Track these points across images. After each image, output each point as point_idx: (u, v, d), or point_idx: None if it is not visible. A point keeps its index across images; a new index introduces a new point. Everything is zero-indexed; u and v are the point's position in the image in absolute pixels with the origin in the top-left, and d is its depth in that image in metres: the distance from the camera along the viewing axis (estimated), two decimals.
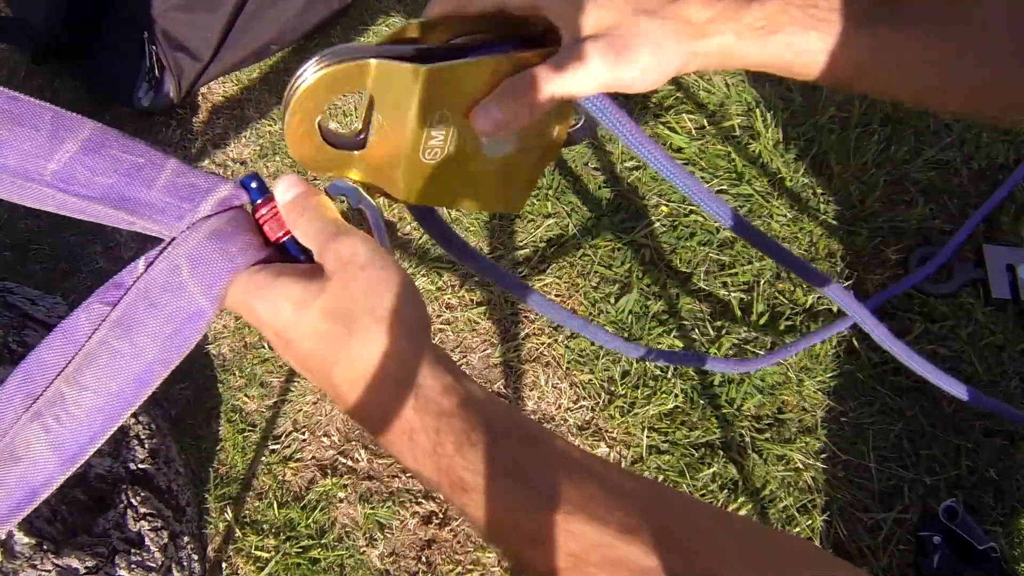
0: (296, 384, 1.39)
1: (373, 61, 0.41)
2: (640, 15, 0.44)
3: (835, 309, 1.36)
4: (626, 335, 1.38)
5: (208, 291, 0.38)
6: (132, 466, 1.16)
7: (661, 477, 1.25)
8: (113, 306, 0.38)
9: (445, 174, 0.47)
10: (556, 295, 1.45)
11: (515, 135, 0.48)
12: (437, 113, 0.44)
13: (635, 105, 1.68)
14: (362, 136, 0.45)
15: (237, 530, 1.25)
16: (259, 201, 0.43)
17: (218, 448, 1.34)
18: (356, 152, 0.46)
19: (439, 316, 1.45)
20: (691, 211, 1.52)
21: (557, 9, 0.45)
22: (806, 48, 0.46)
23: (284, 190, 0.43)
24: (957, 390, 0.90)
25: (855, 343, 1.33)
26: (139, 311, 0.38)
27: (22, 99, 0.37)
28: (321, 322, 0.37)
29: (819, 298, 1.39)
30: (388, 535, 1.24)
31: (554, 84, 0.44)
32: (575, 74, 0.43)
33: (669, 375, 1.33)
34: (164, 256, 0.38)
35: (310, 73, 0.41)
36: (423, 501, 1.27)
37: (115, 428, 0.39)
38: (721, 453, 1.25)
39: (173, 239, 0.39)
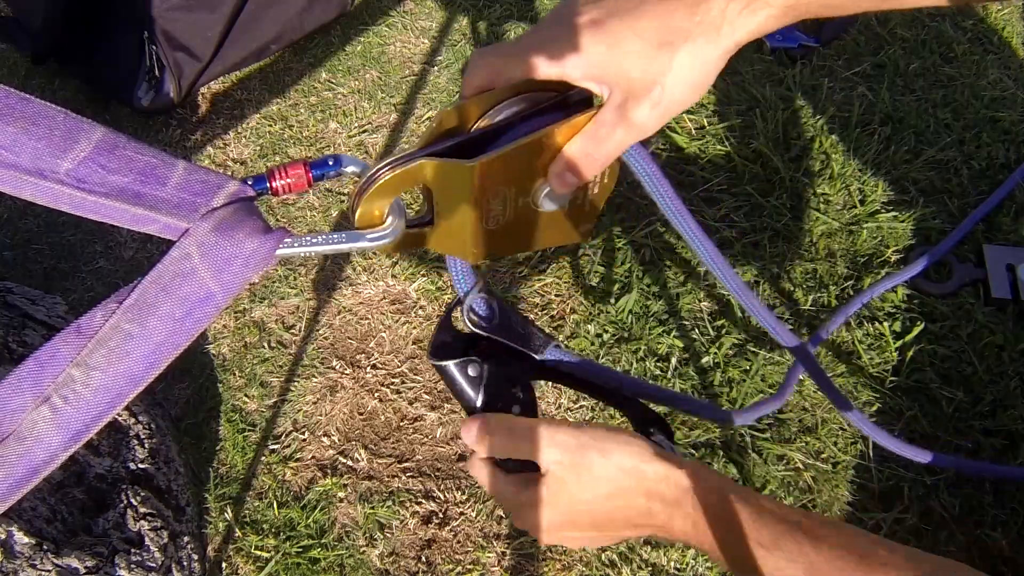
0: (296, 384, 1.39)
1: (428, 162, 0.45)
2: (665, 51, 0.44)
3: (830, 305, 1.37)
4: (626, 335, 1.38)
5: (218, 276, 0.40)
6: (132, 466, 1.16)
7: None
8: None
9: (509, 233, 0.51)
10: (556, 295, 1.45)
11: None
12: (492, 191, 0.48)
13: None
14: (429, 217, 0.49)
15: (237, 530, 1.26)
16: (267, 184, 0.44)
17: (218, 448, 1.34)
18: (427, 228, 0.49)
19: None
20: (691, 211, 1.51)
21: (585, 76, 0.46)
22: None
23: (468, 437, 0.53)
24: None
25: (855, 344, 1.33)
26: (151, 295, 0.39)
27: (34, 100, 0.38)
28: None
29: (818, 297, 1.40)
30: (388, 535, 1.24)
31: (611, 143, 0.48)
32: (627, 130, 0.47)
33: (669, 375, 1.33)
34: (176, 245, 0.40)
35: (377, 175, 0.44)
36: (423, 501, 1.27)
37: (121, 407, 0.40)
38: (721, 453, 1.25)
39: (185, 230, 0.40)
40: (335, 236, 0.44)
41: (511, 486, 0.53)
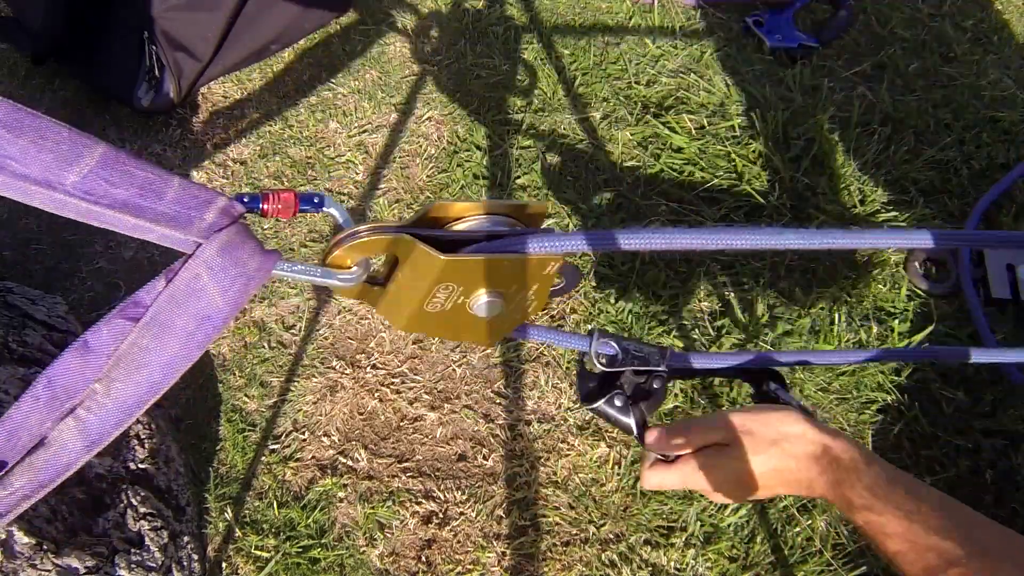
0: (296, 384, 1.39)
1: (407, 240, 0.51)
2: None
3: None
4: (626, 335, 1.38)
5: (225, 293, 0.44)
6: (132, 466, 1.16)
7: None
8: (139, 317, 0.44)
9: (439, 319, 0.59)
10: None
11: (502, 303, 0.58)
12: (445, 283, 0.55)
13: (635, 105, 1.69)
14: (383, 281, 0.56)
15: (237, 530, 1.25)
16: (260, 204, 0.49)
17: (218, 448, 1.34)
18: (376, 287, 0.56)
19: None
20: (691, 211, 1.52)
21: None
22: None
23: (654, 446, 0.63)
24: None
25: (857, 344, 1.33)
26: (166, 312, 0.44)
27: (42, 117, 0.41)
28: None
29: (818, 297, 1.40)
30: (388, 535, 1.24)
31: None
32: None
33: None
34: (186, 267, 0.44)
35: (361, 234, 0.51)
36: (423, 501, 1.27)
37: (138, 415, 0.44)
38: None
39: (192, 253, 0.45)
40: (313, 269, 0.51)
41: (684, 467, 0.62)
